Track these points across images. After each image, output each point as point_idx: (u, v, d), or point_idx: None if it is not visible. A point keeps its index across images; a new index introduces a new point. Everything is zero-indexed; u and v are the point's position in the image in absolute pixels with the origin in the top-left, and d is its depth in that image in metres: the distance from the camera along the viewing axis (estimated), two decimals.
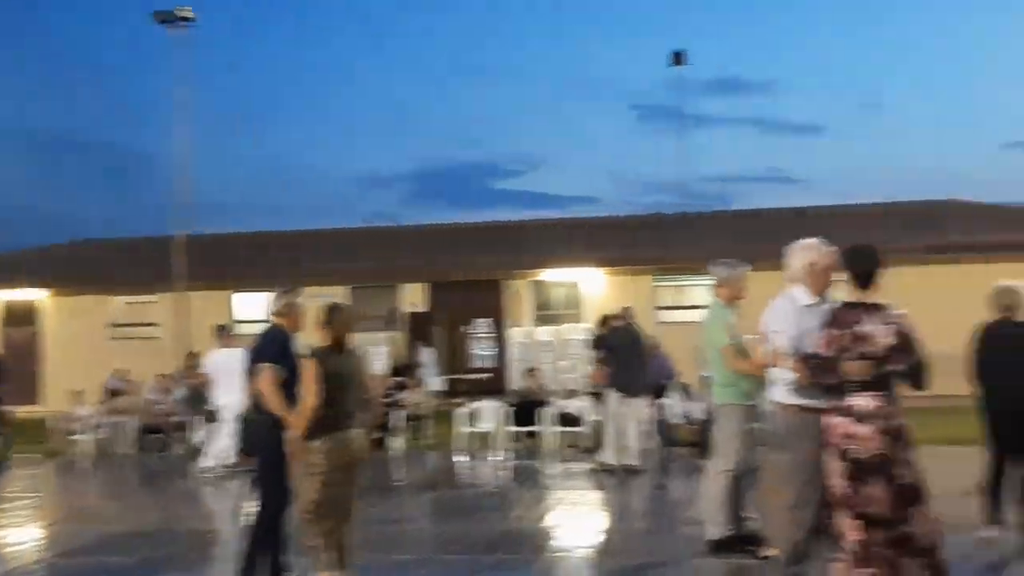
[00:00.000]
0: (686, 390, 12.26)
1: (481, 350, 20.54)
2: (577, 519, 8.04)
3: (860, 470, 4.14)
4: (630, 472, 9.91)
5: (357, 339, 6.93)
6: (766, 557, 5.73)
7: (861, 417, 4.17)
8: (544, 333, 19.26)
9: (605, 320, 11.44)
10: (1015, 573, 5.76)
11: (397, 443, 12.68)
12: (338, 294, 19.36)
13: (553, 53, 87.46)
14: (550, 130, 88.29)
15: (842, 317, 4.30)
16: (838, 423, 4.23)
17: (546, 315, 20.38)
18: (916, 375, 4.27)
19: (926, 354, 4.32)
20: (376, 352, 17.19)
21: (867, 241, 17.73)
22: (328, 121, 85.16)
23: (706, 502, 6.28)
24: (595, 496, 9.28)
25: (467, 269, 20.88)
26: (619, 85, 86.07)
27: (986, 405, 6.22)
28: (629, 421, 10.09)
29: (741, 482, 6.18)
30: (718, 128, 73.65)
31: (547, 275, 20.56)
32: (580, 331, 17.58)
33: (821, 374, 4.32)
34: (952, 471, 7.70)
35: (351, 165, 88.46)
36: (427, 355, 17.05)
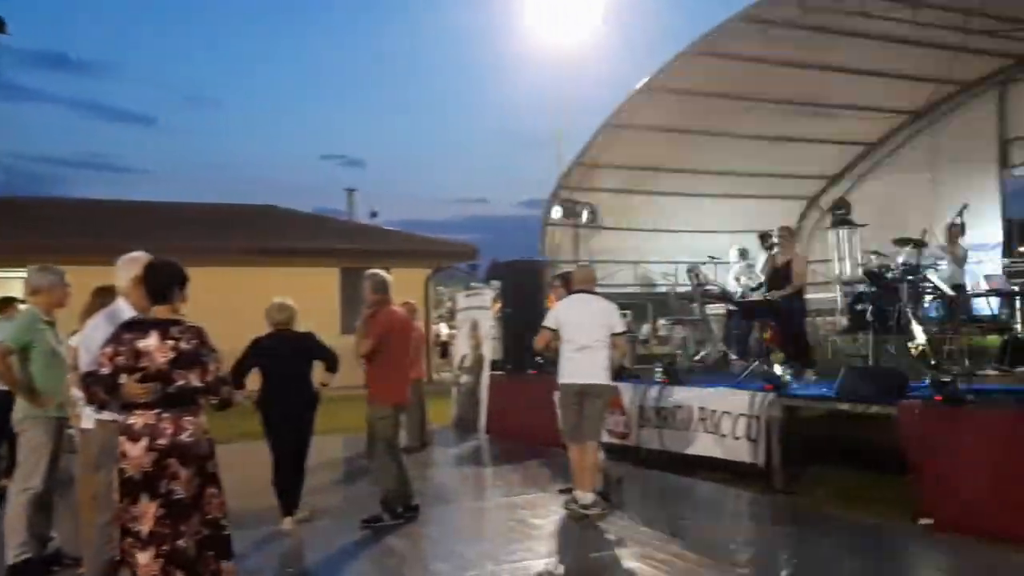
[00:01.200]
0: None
1: None
2: None
3: (129, 488, 4.17)
4: None
5: None
6: None
7: (135, 435, 4.18)
8: None
9: None
10: (311, 559, 6.46)
11: None
12: None
13: None
14: None
15: (124, 334, 4.28)
16: (120, 441, 4.24)
17: None
18: (215, 390, 4.36)
19: (222, 368, 4.40)
20: None
21: (198, 241, 17.95)
22: None
23: (7, 523, 5.81)
24: None
25: None
26: None
27: (263, 408, 6.88)
28: None
29: (47, 500, 5.86)
30: (41, 106, 68.15)
31: None
32: None
33: (100, 392, 4.24)
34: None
35: None
36: None
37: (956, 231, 10.92)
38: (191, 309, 4.60)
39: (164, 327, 4.29)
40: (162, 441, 4.18)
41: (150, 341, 4.23)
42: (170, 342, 4.25)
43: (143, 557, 4.13)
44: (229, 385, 4.48)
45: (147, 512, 4.14)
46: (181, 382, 4.24)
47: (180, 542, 4.18)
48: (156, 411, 4.20)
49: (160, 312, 4.38)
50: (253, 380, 6.83)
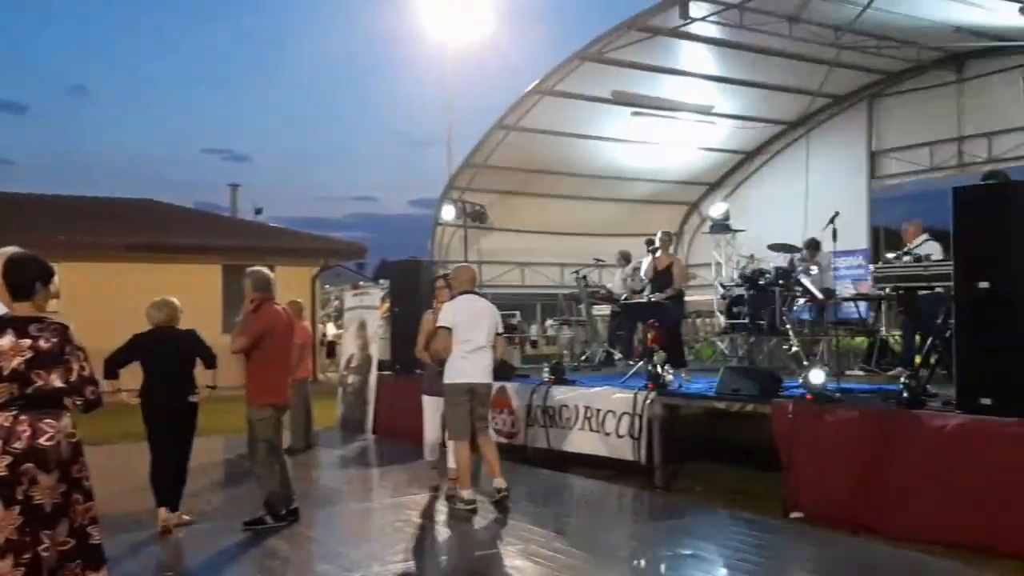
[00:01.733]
0: None
1: None
2: None
3: None
4: None
5: None
6: None
7: None
8: None
9: None
10: (193, 559, 6.31)
11: None
12: None
13: None
14: None
15: None
16: None
17: None
18: (79, 390, 4.12)
19: (88, 368, 4.14)
20: None
21: (74, 236, 17.13)
22: None
23: None
24: None
25: None
26: None
27: (144, 406, 6.67)
28: None
29: None
30: None
31: None
32: None
33: None
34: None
35: None
36: None
37: (813, 245, 11.12)
38: (66, 306, 4.42)
39: (22, 326, 4.07)
40: (18, 445, 3.95)
41: (4, 341, 4.01)
42: (27, 341, 4.03)
43: (2, 566, 3.93)
44: (95, 385, 4.24)
45: (4, 520, 3.92)
46: (40, 383, 4.02)
47: (43, 551, 3.97)
48: (13, 413, 3.99)
49: (20, 309, 4.15)
50: (136, 378, 6.62)
